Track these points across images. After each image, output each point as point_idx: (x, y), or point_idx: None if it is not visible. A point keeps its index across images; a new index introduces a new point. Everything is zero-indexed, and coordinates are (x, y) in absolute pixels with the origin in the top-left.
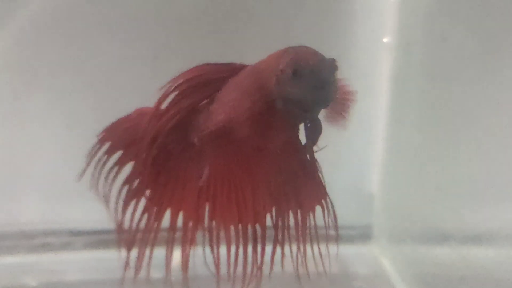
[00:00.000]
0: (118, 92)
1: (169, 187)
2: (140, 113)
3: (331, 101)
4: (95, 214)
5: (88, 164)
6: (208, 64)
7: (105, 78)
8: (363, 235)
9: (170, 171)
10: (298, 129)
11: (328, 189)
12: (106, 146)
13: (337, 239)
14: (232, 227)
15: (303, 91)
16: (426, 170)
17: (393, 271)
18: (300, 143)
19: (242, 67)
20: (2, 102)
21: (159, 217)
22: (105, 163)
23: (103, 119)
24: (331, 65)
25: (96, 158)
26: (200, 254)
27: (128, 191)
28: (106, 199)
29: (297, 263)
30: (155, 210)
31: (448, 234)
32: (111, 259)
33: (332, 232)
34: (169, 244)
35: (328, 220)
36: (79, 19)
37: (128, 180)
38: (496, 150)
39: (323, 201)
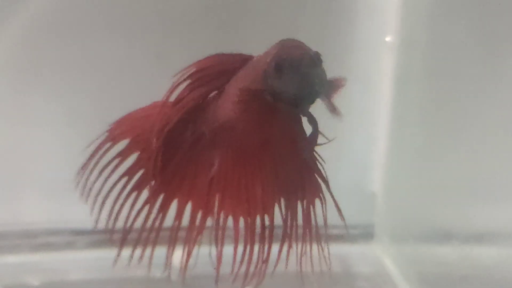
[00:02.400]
0: (120, 90)
1: (178, 178)
2: (155, 106)
3: (316, 96)
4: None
5: (92, 155)
6: (221, 54)
7: (106, 76)
8: (365, 234)
9: (180, 162)
10: (298, 123)
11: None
12: (114, 133)
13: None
14: (240, 219)
15: (286, 85)
16: (428, 168)
17: (395, 270)
18: (301, 138)
19: (251, 58)
20: (3, 101)
21: (165, 207)
22: (107, 150)
23: (105, 118)
24: (314, 59)
25: (99, 147)
26: (203, 252)
27: (127, 183)
28: (90, 194)
29: (300, 261)
30: (161, 200)
31: (450, 233)
32: (114, 258)
33: (334, 231)
34: (172, 238)
35: (326, 217)
36: (80, 17)
37: (129, 172)
38: (498, 149)
39: (323, 197)
